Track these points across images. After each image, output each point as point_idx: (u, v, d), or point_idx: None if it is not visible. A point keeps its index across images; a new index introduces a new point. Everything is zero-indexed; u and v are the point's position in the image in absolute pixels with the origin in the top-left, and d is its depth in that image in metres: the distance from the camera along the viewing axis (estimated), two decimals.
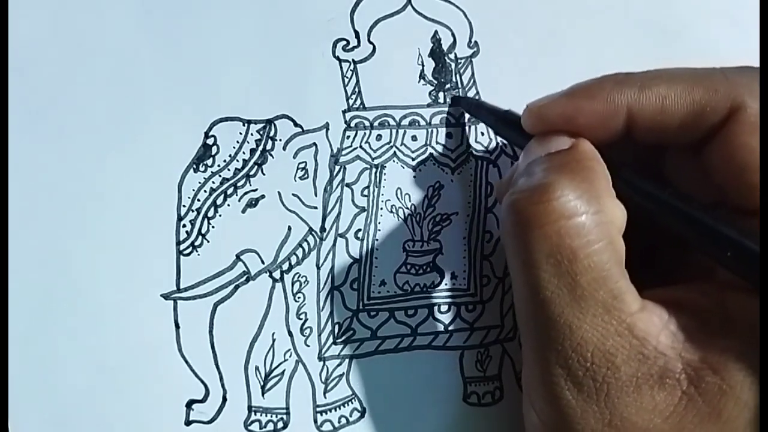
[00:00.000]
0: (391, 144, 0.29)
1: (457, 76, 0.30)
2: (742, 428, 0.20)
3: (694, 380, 0.21)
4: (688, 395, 0.21)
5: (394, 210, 0.29)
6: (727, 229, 0.21)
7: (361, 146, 0.29)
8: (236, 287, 0.28)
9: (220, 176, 0.28)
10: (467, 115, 0.30)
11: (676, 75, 0.23)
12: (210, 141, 0.27)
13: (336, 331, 0.29)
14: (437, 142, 0.30)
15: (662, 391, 0.21)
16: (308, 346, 0.29)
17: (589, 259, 0.21)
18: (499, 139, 0.30)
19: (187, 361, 0.27)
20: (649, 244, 0.26)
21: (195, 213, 0.27)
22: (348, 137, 0.29)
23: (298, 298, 0.29)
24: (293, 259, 0.28)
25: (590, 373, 0.21)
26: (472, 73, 0.30)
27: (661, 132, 0.23)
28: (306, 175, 0.28)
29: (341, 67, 0.29)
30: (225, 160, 0.28)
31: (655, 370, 0.21)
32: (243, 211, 0.28)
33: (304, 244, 0.29)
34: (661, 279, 0.24)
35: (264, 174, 0.28)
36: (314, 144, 0.28)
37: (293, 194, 0.28)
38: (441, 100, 0.30)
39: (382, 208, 0.29)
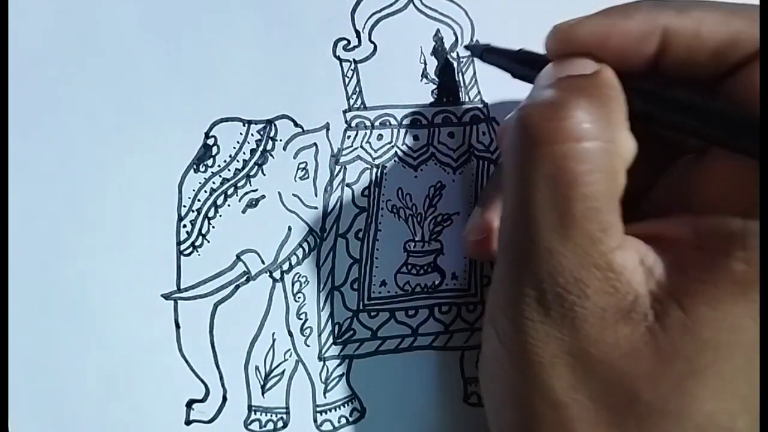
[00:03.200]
0: (392, 144, 0.29)
1: (459, 74, 0.30)
2: (700, 371, 0.20)
3: (660, 315, 0.20)
4: (651, 331, 0.20)
5: (394, 210, 0.29)
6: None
7: (361, 146, 0.29)
8: (236, 287, 0.28)
9: (220, 176, 0.28)
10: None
11: (713, 4, 0.22)
12: (210, 141, 0.27)
13: (336, 331, 0.29)
14: (439, 142, 0.30)
15: (626, 327, 0.20)
16: (308, 346, 0.29)
17: (589, 187, 0.20)
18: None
19: (187, 361, 0.27)
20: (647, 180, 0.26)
21: (195, 213, 0.27)
22: (349, 137, 0.29)
23: (299, 298, 0.29)
24: (293, 259, 0.28)
25: (560, 299, 0.21)
26: (474, 72, 0.30)
27: (693, 59, 0.22)
28: (306, 176, 0.28)
29: (342, 67, 0.28)
30: (225, 161, 0.28)
31: (624, 304, 0.20)
32: (243, 212, 0.28)
33: (305, 245, 0.29)
34: (647, 215, 0.23)
35: (264, 174, 0.28)
36: (315, 144, 0.28)
37: (293, 194, 0.28)
38: (443, 100, 0.30)
39: (382, 208, 0.29)
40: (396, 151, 0.29)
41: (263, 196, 0.28)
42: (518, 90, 0.26)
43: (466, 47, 0.29)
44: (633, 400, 0.20)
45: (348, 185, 0.29)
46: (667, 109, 0.22)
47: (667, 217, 0.23)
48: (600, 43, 0.23)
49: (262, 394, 0.28)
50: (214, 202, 0.28)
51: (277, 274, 0.28)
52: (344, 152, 0.29)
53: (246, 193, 0.28)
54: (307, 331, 0.29)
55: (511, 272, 0.22)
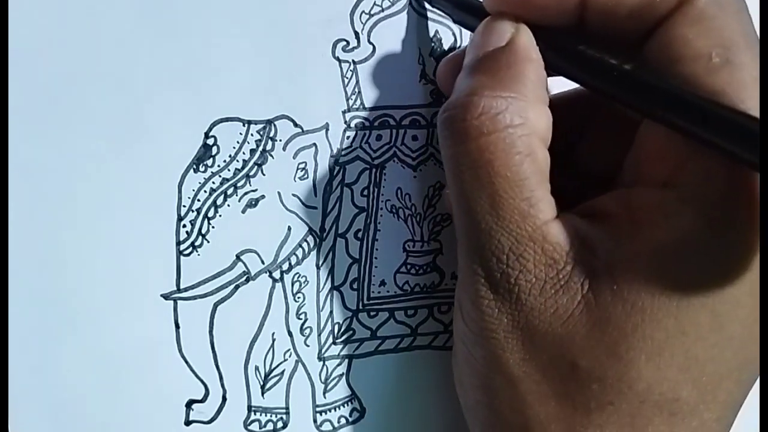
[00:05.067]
0: (391, 144, 0.29)
1: None
2: (630, 333, 0.21)
3: (593, 284, 0.21)
4: (585, 299, 0.21)
5: (394, 210, 0.29)
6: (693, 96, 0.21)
7: (361, 146, 0.29)
8: (236, 287, 0.28)
9: (220, 176, 0.28)
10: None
11: None
12: (210, 141, 0.27)
13: (336, 331, 0.29)
14: (438, 142, 0.30)
15: (564, 296, 0.22)
16: (308, 346, 0.29)
17: (507, 169, 0.22)
18: None
19: (187, 361, 0.27)
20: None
21: (195, 213, 0.27)
22: (348, 137, 0.29)
23: (298, 298, 0.29)
24: (293, 259, 0.29)
25: (505, 275, 0.22)
26: None
27: (613, 18, 0.23)
28: (306, 176, 0.28)
29: (341, 68, 0.29)
30: (225, 161, 0.28)
31: (562, 275, 0.22)
32: (243, 212, 0.28)
33: (304, 244, 0.29)
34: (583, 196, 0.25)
35: (264, 174, 0.28)
36: (314, 144, 0.28)
37: (293, 194, 0.28)
38: (442, 100, 0.30)
39: (382, 209, 0.29)
40: (395, 152, 0.29)
41: (263, 196, 0.28)
42: None
43: None
44: (573, 369, 0.22)
45: (347, 185, 0.29)
46: (580, 67, 0.23)
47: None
48: (525, 1, 0.24)
49: (262, 394, 0.28)
50: (214, 202, 0.28)
51: (276, 274, 0.28)
52: (343, 152, 0.29)
53: (246, 193, 0.28)
54: (307, 331, 0.29)
55: (464, 258, 0.24)
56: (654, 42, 0.23)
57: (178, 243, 0.27)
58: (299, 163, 0.28)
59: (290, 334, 0.29)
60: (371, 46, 0.29)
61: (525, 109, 0.22)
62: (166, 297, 0.27)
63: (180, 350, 0.27)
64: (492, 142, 0.22)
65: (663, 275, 0.21)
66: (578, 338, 0.21)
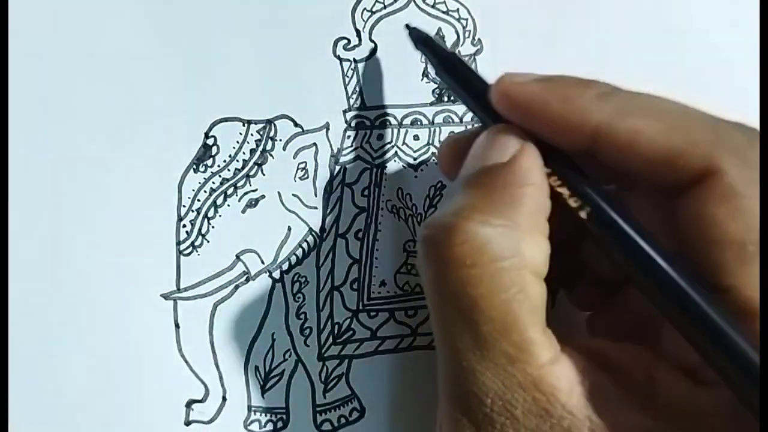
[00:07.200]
0: (392, 144, 0.29)
1: None
2: None
3: None
4: None
5: (394, 210, 0.29)
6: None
7: (361, 146, 0.29)
8: (236, 287, 0.28)
9: (220, 176, 0.28)
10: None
11: (662, 110, 0.21)
12: (210, 141, 0.27)
13: (336, 331, 0.29)
14: (440, 142, 0.30)
15: None
16: (308, 346, 0.29)
17: (492, 310, 0.19)
18: None
19: (187, 361, 0.27)
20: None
21: (195, 213, 0.27)
22: (348, 137, 0.29)
23: (298, 298, 0.29)
24: (293, 259, 0.28)
25: (489, 419, 0.20)
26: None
27: (625, 165, 0.21)
28: (306, 176, 0.28)
29: (342, 67, 0.28)
30: (225, 161, 0.28)
31: (557, 429, 0.19)
32: (243, 212, 0.28)
33: (304, 245, 0.28)
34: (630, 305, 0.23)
35: (264, 174, 0.28)
36: (314, 144, 0.28)
37: (293, 194, 0.28)
38: (444, 99, 0.30)
39: (382, 208, 0.29)
40: (396, 151, 0.29)
41: (263, 196, 0.28)
42: None
43: (407, 26, 0.28)
44: None
45: (348, 185, 0.29)
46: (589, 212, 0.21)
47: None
48: (534, 114, 0.21)
49: (262, 394, 0.28)
50: (214, 202, 0.28)
51: (276, 274, 0.28)
52: (344, 152, 0.29)
53: (246, 193, 0.28)
54: (307, 331, 0.29)
55: (444, 389, 0.21)
56: (679, 206, 0.20)
57: (178, 243, 0.27)
58: (299, 163, 0.28)
59: (290, 334, 0.29)
60: (372, 45, 0.29)
61: (516, 241, 0.20)
62: (166, 297, 0.27)
63: (180, 350, 0.27)
64: (476, 277, 0.19)
65: None
66: None
